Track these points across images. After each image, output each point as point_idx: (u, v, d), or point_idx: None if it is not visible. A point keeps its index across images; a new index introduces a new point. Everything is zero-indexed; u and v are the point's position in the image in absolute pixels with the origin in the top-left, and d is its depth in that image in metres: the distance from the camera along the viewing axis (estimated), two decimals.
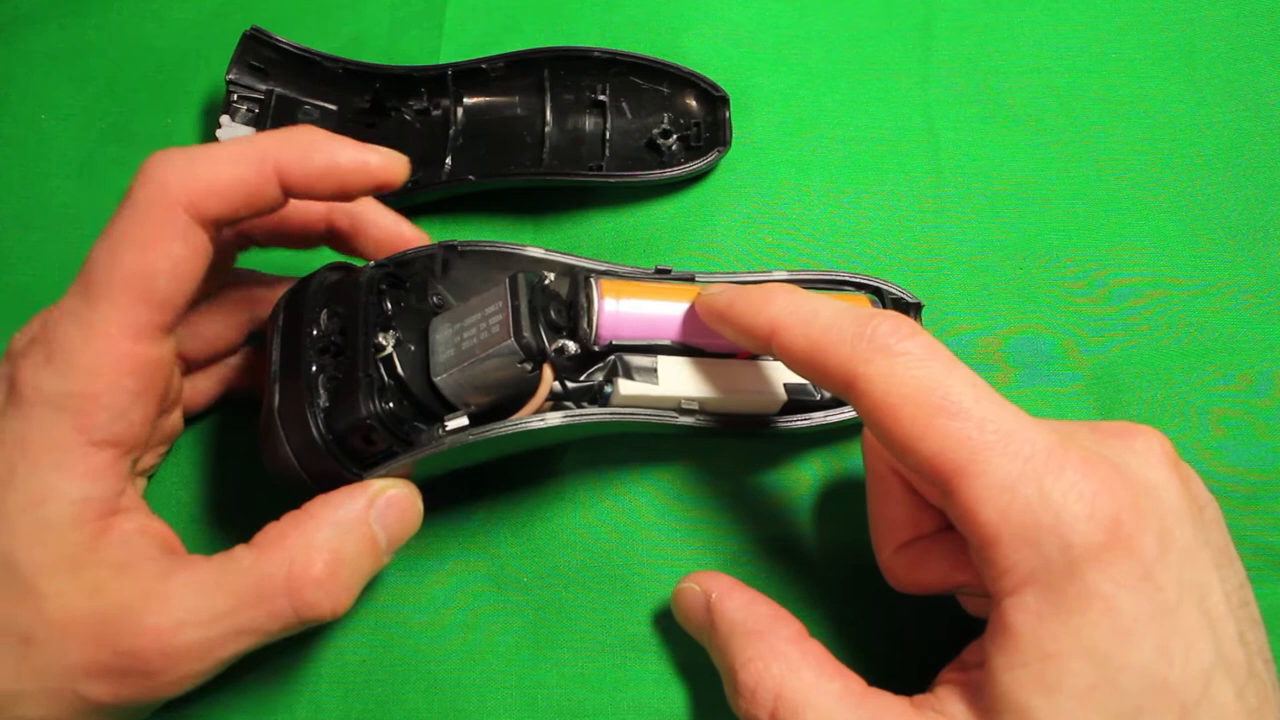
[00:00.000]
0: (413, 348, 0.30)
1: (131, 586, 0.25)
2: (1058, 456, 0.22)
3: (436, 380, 0.29)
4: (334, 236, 0.33)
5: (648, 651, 0.32)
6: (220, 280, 0.33)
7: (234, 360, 0.34)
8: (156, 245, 0.25)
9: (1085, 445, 0.23)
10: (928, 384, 0.24)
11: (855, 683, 0.26)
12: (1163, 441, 0.25)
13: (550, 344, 0.29)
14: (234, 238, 0.31)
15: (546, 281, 0.31)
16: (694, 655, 0.32)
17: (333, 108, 0.41)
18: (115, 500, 0.26)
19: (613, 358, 0.31)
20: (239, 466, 0.35)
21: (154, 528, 0.27)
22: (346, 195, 0.29)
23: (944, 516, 0.28)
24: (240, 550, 0.26)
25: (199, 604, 0.25)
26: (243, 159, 0.27)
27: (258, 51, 0.39)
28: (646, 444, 0.35)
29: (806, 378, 0.27)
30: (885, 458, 0.29)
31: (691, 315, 0.31)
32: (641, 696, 0.32)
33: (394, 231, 0.33)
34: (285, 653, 0.32)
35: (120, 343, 0.25)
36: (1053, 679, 0.21)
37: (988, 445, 0.23)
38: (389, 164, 0.29)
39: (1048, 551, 0.22)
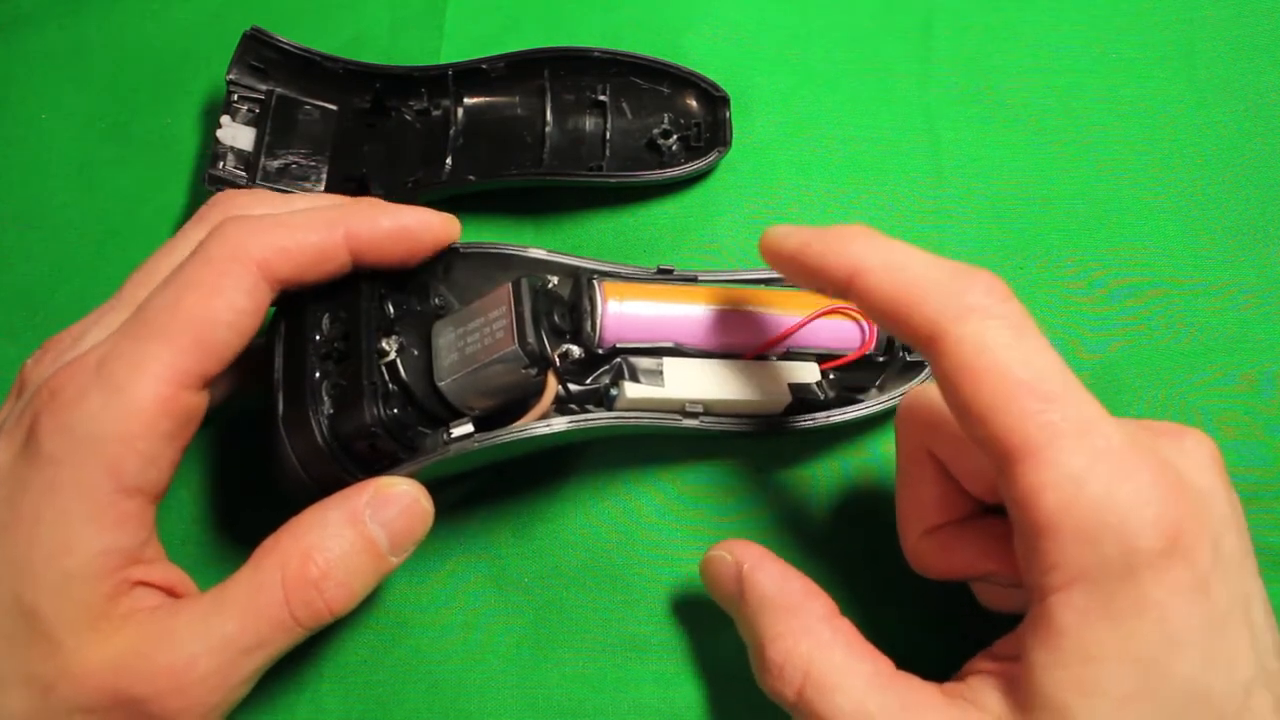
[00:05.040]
0: (415, 352, 0.30)
1: (142, 633, 0.25)
2: (1131, 458, 0.22)
3: (440, 385, 0.29)
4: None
5: (649, 651, 0.32)
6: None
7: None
8: (223, 294, 0.25)
9: (1149, 447, 0.22)
10: (1021, 357, 0.23)
11: (885, 665, 0.25)
12: (1211, 446, 0.24)
13: (554, 349, 0.29)
14: None
15: (550, 285, 0.31)
16: (696, 655, 0.32)
17: (333, 108, 0.41)
18: (139, 551, 0.26)
19: (618, 360, 0.31)
20: (240, 475, 0.35)
21: (171, 577, 0.27)
22: (412, 257, 0.30)
23: (975, 502, 0.27)
24: (240, 570, 0.26)
25: (207, 632, 0.25)
26: (316, 225, 0.28)
27: (258, 51, 0.39)
28: (647, 444, 0.35)
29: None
30: (922, 438, 0.28)
31: (693, 316, 0.31)
32: (642, 696, 0.32)
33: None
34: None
35: (165, 385, 0.25)
36: (1094, 682, 0.21)
37: (1064, 433, 0.22)
38: (448, 224, 0.30)
39: (1106, 551, 0.21)
